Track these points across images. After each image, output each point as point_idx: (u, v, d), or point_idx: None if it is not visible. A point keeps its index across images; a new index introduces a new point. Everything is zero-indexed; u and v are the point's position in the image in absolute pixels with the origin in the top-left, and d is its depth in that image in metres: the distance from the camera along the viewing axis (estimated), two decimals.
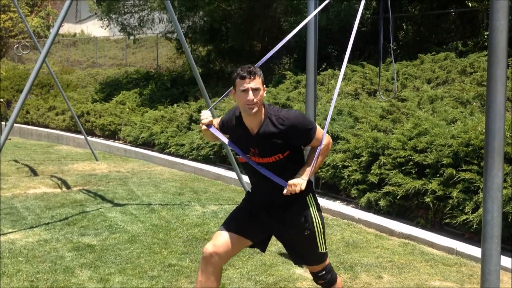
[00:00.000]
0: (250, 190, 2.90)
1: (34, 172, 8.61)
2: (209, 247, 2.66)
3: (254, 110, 2.51)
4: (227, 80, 13.22)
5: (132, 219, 5.61)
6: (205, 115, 2.72)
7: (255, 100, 2.49)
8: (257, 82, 2.51)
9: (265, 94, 2.56)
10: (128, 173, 8.61)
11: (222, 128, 2.78)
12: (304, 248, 2.80)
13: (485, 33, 9.72)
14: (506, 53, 1.98)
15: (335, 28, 11.53)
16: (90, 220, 5.54)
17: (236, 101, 2.58)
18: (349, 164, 6.03)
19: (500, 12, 1.93)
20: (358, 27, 10.99)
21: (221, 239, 2.68)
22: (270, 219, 2.76)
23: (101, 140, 12.59)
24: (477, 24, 11.10)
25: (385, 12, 2.77)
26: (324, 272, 2.84)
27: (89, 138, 10.75)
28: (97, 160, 9.95)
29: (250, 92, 2.49)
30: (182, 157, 9.56)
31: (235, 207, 2.93)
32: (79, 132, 11.05)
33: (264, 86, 2.57)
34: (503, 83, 1.95)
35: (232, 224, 2.75)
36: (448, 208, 4.73)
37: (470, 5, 9.76)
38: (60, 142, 13.47)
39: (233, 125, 2.68)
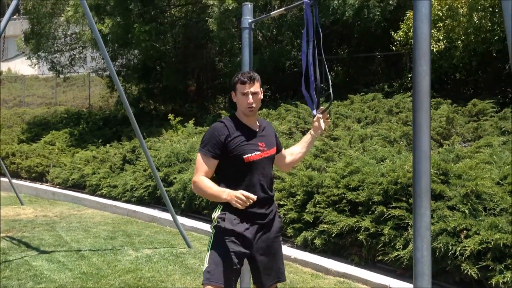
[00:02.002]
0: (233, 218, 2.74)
1: None
2: None
3: (253, 111, 2.77)
4: (161, 119, 13.09)
5: (60, 267, 5.30)
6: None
7: (254, 103, 2.75)
8: (256, 87, 2.77)
9: (262, 97, 2.83)
10: (56, 218, 8.19)
11: (226, 139, 2.72)
12: (281, 255, 2.89)
13: (409, 75, 10.31)
14: (429, 97, 2.07)
15: (268, 69, 11.82)
16: (14, 269, 5.18)
17: (237, 103, 2.80)
18: (285, 203, 6.06)
19: (422, 58, 2.03)
20: (291, 68, 11.21)
21: None
22: (259, 241, 2.75)
23: (27, 183, 11.97)
24: (401, 66, 11.77)
25: (313, 54, 2.91)
26: None
27: (14, 180, 10.19)
28: (22, 204, 9.42)
29: (250, 96, 2.74)
30: (114, 199, 9.25)
31: (218, 250, 2.70)
32: (3, 175, 10.45)
33: (262, 89, 2.84)
34: (427, 126, 2.04)
35: (228, 281, 2.66)
36: (380, 245, 4.84)
37: (394, 49, 10.35)
38: None
39: (236, 129, 2.77)
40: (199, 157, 2.75)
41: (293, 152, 3.08)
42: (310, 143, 3.07)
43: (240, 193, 2.57)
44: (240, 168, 2.73)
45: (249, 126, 2.81)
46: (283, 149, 3.08)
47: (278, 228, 2.87)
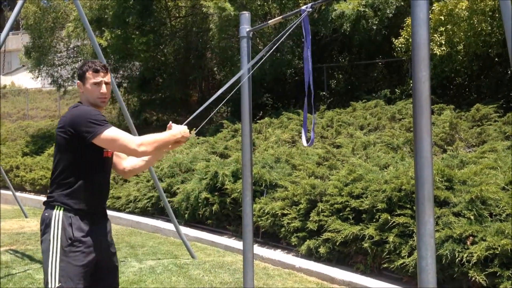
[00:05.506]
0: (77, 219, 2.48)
1: None
2: None
3: (105, 103, 2.56)
4: (163, 130, 13.11)
5: None
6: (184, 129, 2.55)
7: (107, 94, 2.56)
8: (109, 77, 2.58)
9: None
10: None
11: None
12: (117, 263, 2.72)
13: (411, 82, 10.28)
14: (430, 102, 2.05)
15: (269, 78, 11.82)
16: (17, 283, 5.16)
17: (85, 94, 2.55)
18: (288, 212, 6.03)
19: (422, 63, 2.01)
20: (292, 76, 11.20)
21: None
22: (101, 243, 2.56)
23: (31, 196, 11.97)
24: (402, 73, 11.76)
25: (313, 62, 2.81)
26: None
27: (18, 193, 10.19)
28: (26, 217, 9.41)
29: (104, 86, 2.54)
30: (118, 210, 9.22)
31: (68, 262, 2.43)
32: (7, 188, 10.46)
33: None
34: (428, 132, 2.02)
35: None
36: (385, 253, 4.79)
37: (395, 55, 10.34)
38: None
39: None
40: (115, 129, 2.42)
41: (133, 160, 2.80)
42: (158, 154, 2.73)
43: (186, 127, 2.51)
44: (94, 163, 2.50)
45: None
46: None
47: (110, 226, 2.71)
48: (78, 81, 2.58)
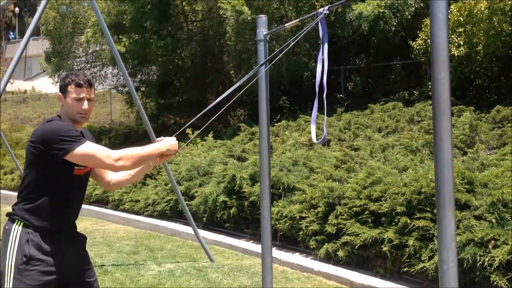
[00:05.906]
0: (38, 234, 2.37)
1: None
2: None
3: (85, 119, 2.44)
4: (181, 133, 13.19)
5: None
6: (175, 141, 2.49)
7: (89, 111, 2.45)
8: (92, 93, 2.45)
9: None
10: None
11: None
12: (92, 278, 2.60)
13: (429, 83, 10.18)
14: (450, 104, 2.02)
15: (286, 81, 11.82)
16: None
17: (64, 108, 2.44)
18: (306, 215, 6.01)
19: (441, 66, 1.99)
20: (309, 79, 11.18)
21: None
22: (69, 263, 2.45)
23: None
24: (420, 74, 11.65)
25: (330, 64, 2.76)
26: None
27: None
28: None
29: (86, 102, 2.42)
30: (137, 213, 9.29)
31: (23, 283, 2.30)
32: None
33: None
34: (449, 134, 1.99)
35: None
36: (405, 257, 4.74)
37: (413, 57, 10.25)
38: (8, 203, 12.86)
39: None
40: (90, 144, 2.32)
41: (119, 173, 2.68)
42: (145, 168, 2.61)
43: (175, 138, 2.41)
44: (62, 181, 2.39)
45: None
46: None
47: (84, 242, 2.64)
48: (59, 93, 2.46)
